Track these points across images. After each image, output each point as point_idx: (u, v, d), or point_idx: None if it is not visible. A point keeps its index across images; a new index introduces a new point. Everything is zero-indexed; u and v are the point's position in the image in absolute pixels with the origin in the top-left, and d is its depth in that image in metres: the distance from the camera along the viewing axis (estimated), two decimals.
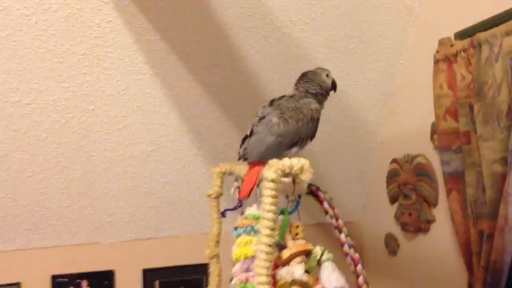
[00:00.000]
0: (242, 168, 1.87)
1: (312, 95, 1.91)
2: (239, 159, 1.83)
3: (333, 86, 2.03)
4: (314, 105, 1.84)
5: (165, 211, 3.05)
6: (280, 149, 1.74)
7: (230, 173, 2.16)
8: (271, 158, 1.59)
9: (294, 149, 1.78)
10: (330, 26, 2.67)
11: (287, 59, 2.73)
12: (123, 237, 3.05)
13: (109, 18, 2.35)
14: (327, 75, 1.99)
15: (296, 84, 2.00)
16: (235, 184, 2.14)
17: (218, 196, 2.17)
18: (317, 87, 1.93)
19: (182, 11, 2.41)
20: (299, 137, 1.77)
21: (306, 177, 1.43)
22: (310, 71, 2.01)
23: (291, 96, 1.87)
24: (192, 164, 2.94)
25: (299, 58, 2.74)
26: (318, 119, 1.84)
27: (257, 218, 1.71)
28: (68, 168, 2.71)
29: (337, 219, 1.60)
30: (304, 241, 1.61)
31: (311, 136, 1.84)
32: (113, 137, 2.70)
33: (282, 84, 2.76)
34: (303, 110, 1.79)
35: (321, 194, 1.64)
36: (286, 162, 1.41)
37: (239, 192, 2.09)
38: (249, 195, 1.66)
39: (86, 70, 2.46)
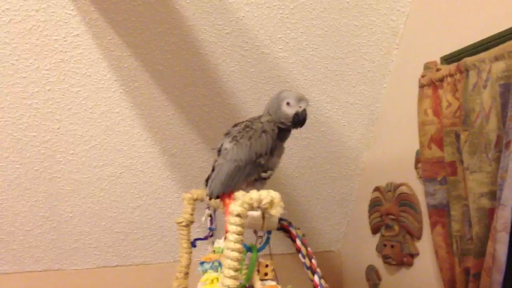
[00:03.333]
0: None
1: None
2: (209, 199, 1.75)
3: (297, 120, 1.75)
4: (265, 118, 1.76)
5: (134, 237, 2.92)
6: (241, 173, 1.69)
7: (202, 200, 2.08)
8: (235, 186, 1.56)
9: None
10: (311, 47, 2.57)
11: (266, 79, 2.62)
12: (89, 264, 2.91)
13: (76, 32, 2.24)
14: (288, 104, 1.74)
15: None
16: (207, 211, 2.04)
17: (189, 224, 2.11)
18: (267, 116, 1.78)
19: (155, 27, 2.30)
20: (255, 153, 1.68)
21: (276, 211, 1.30)
22: (280, 92, 1.83)
23: (245, 121, 1.80)
24: (164, 188, 2.82)
25: (279, 79, 2.64)
26: (273, 130, 1.73)
27: None
28: (31, 190, 2.59)
29: (310, 259, 1.46)
30: (274, 282, 1.49)
31: (271, 150, 1.73)
32: (79, 158, 2.58)
33: (261, 105, 2.61)
34: (253, 126, 1.73)
35: (293, 231, 1.51)
36: (254, 195, 1.28)
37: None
38: None
39: (51, 86, 2.34)
